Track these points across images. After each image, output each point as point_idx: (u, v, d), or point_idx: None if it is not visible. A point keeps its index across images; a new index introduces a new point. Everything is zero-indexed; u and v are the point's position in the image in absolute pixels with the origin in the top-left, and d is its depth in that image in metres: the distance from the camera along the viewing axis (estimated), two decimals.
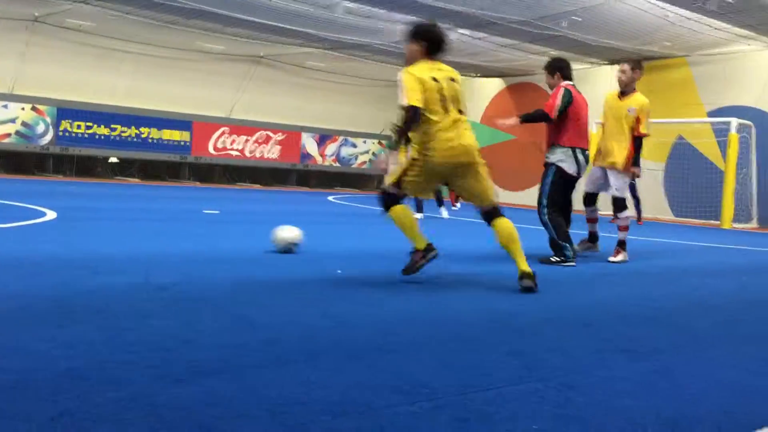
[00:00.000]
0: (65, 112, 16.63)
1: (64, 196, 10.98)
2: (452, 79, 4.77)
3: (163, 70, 17.65)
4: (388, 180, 4.78)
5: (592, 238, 6.83)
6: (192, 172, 18.81)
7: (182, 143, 18.36)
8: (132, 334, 2.81)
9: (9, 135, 16.05)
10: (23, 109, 16.17)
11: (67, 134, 16.73)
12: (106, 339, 2.72)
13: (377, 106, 21.60)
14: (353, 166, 21.74)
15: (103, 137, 17.17)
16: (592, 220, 6.85)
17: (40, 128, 16.42)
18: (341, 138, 21.14)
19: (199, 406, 2.04)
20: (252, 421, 1.96)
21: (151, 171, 18.18)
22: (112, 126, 17.25)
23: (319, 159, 20.87)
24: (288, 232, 5.66)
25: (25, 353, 2.46)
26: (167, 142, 18.12)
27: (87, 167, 17.29)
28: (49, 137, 16.51)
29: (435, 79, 4.64)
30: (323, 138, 20.77)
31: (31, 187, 12.21)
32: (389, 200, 4.76)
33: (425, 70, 4.67)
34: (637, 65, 6.72)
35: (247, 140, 19.37)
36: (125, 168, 17.82)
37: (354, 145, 21.62)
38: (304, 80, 19.64)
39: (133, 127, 17.54)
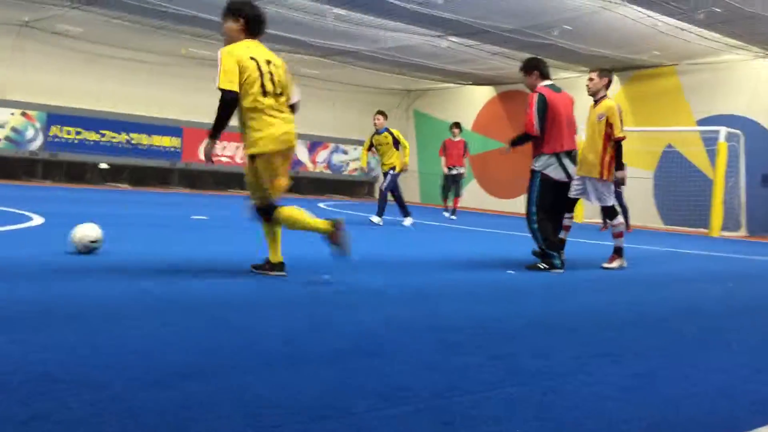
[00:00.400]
0: (55, 117, 16.55)
1: (53, 201, 10.91)
2: (269, 62, 4.59)
3: (153, 76, 17.59)
4: (256, 198, 4.63)
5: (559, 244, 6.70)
6: (182, 178, 18.75)
7: (172, 149, 18.30)
8: (111, 338, 2.78)
9: (1, 140, 15.96)
10: (12, 114, 16.08)
11: (56, 140, 16.64)
12: (85, 342, 2.69)
13: (368, 113, 21.57)
14: (344, 173, 21.73)
15: (92, 143, 17.09)
16: (565, 227, 6.74)
17: (30, 133, 16.33)
18: (332, 145, 21.12)
19: (175, 409, 2.01)
20: (227, 422, 1.93)
21: (141, 177, 18.11)
22: (102, 132, 17.17)
23: (310, 166, 20.84)
24: (88, 231, 5.20)
25: (1, 356, 2.43)
26: (157, 148, 18.06)
27: (76, 173, 17.20)
28: (38, 143, 16.43)
29: (253, 59, 4.49)
30: (314, 145, 20.76)
31: (19, 193, 12.13)
32: (267, 209, 4.65)
33: (244, 49, 4.50)
34: (605, 73, 6.80)
35: (237, 147, 19.29)
36: (115, 174, 17.74)
37: (345, 152, 21.61)
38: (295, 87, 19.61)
39: (123, 133, 17.46)
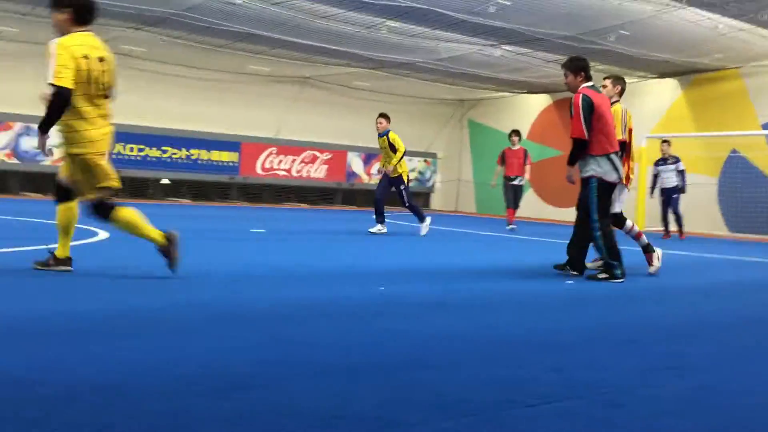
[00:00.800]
0: (119, 135, 17.04)
1: None
2: (102, 59, 4.60)
3: (212, 93, 18.04)
4: (89, 190, 4.64)
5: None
6: (240, 192, 19.11)
7: (231, 164, 18.70)
8: (172, 350, 2.86)
9: None
10: None
11: (120, 157, 17.20)
12: (147, 354, 2.77)
13: (422, 124, 21.64)
14: None
15: (155, 159, 17.62)
16: None
17: None
18: None
19: (236, 420, 2.05)
20: None
21: (201, 191, 18.53)
22: (164, 148, 17.68)
23: (365, 178, 20.97)
24: None
25: (69, 368, 2.52)
26: (217, 163, 18.48)
27: (140, 189, 17.72)
28: None
29: (87, 57, 4.49)
30: (369, 157, 20.87)
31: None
32: (105, 207, 4.67)
33: (79, 46, 4.46)
34: (618, 81, 6.94)
35: (294, 160, 19.60)
36: (176, 189, 18.21)
37: None
38: (349, 100, 19.80)
39: (183, 149, 17.94)
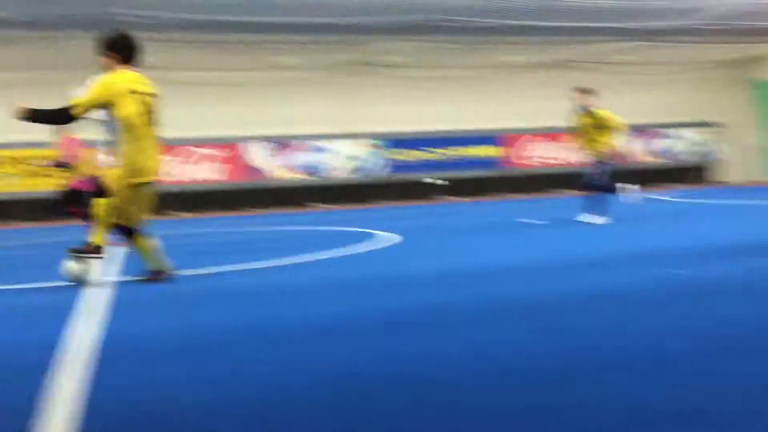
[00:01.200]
0: (394, 142, 18.35)
1: (404, 219, 11.85)
2: (152, 95, 4.93)
3: (470, 91, 18.45)
4: (113, 218, 4.87)
5: None
6: (503, 184, 19.20)
7: (492, 157, 19.05)
8: (454, 343, 2.98)
9: (351, 170, 18.16)
10: (359, 145, 18.18)
11: (397, 163, 18.43)
12: (420, 349, 2.91)
13: (693, 92, 19.90)
14: (678, 158, 20.35)
15: (427, 162, 18.56)
16: None
17: (374, 160, 18.29)
18: (659, 131, 19.88)
19: (533, 412, 2.10)
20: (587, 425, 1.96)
21: (467, 187, 18.96)
22: (434, 150, 18.56)
23: (636, 155, 19.86)
24: None
25: (377, 363, 2.75)
26: (479, 158, 18.92)
27: (417, 191, 18.60)
28: (383, 167, 18.32)
29: (134, 92, 4.79)
30: (642, 134, 19.66)
31: (373, 214, 13.54)
32: (128, 231, 5.01)
33: (126, 81, 4.81)
34: None
35: (555, 147, 19.23)
36: (450, 187, 18.82)
37: (670, 137, 20.25)
38: (609, 77, 18.85)
39: (450, 148, 18.65)
